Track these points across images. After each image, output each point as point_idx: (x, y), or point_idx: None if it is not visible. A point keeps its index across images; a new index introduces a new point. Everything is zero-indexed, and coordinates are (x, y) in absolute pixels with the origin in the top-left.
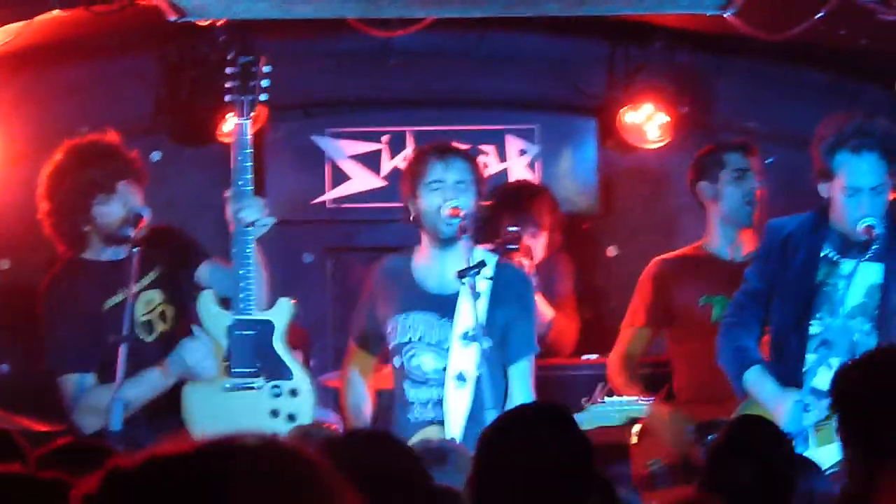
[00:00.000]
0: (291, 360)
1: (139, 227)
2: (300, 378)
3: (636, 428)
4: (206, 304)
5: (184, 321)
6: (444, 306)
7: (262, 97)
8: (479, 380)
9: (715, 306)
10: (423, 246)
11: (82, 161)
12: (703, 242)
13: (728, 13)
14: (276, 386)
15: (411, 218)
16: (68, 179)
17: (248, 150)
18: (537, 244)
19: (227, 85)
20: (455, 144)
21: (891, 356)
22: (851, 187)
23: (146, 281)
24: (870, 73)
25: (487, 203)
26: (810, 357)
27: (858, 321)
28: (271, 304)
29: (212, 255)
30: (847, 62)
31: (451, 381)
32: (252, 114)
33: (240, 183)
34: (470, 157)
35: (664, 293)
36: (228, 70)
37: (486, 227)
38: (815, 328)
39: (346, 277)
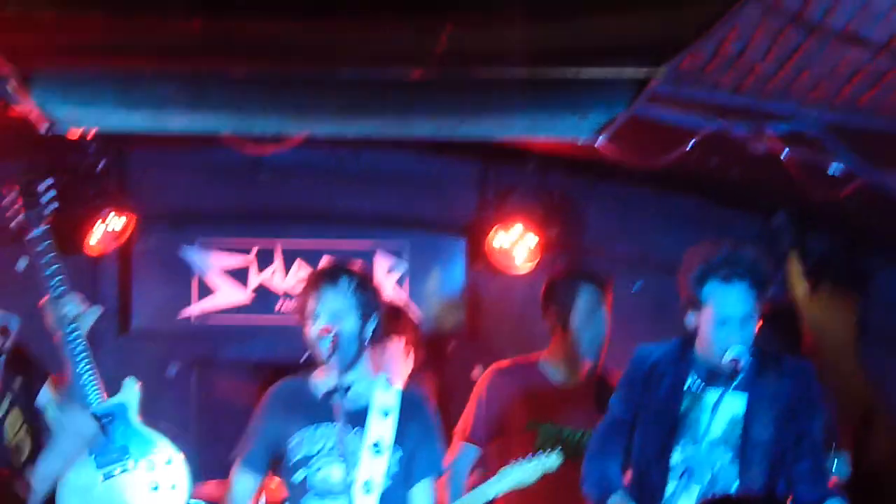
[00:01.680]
0: (153, 433)
1: (8, 336)
2: (166, 446)
3: None
4: (56, 410)
5: (42, 437)
6: (355, 418)
7: (48, 210)
8: (384, 492)
9: (540, 434)
10: (322, 369)
11: None
12: (543, 357)
13: (600, 140)
14: (148, 461)
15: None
16: None
17: (50, 257)
18: (403, 364)
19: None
20: (334, 269)
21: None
22: (720, 316)
23: (6, 403)
24: (740, 202)
25: None
26: (671, 485)
27: (720, 450)
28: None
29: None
30: (718, 190)
31: (359, 489)
32: (42, 226)
33: (52, 286)
34: (350, 281)
35: (493, 406)
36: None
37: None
38: (676, 456)
39: (211, 390)
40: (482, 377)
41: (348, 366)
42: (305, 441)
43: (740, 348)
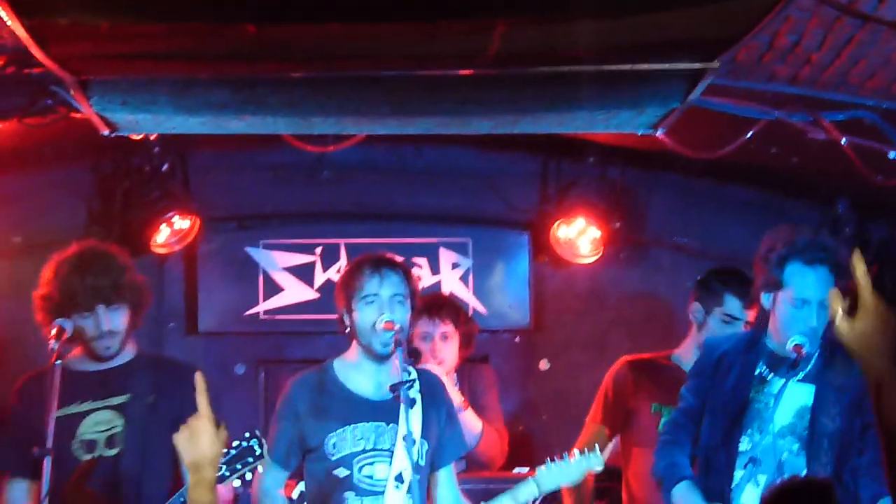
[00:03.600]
0: None
1: (63, 339)
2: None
3: None
4: None
5: (132, 454)
6: (388, 413)
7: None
8: (412, 484)
9: (664, 415)
10: (353, 354)
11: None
12: (673, 353)
13: (659, 132)
14: None
15: (345, 330)
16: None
17: None
18: (449, 343)
19: None
20: (390, 256)
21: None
22: (800, 299)
23: (113, 401)
24: (800, 190)
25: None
26: (738, 473)
27: (788, 440)
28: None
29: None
30: (777, 180)
31: (391, 483)
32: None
33: None
34: (405, 270)
35: (621, 394)
36: None
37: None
38: (744, 445)
39: (278, 389)
40: (610, 370)
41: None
42: (349, 439)
43: (803, 337)
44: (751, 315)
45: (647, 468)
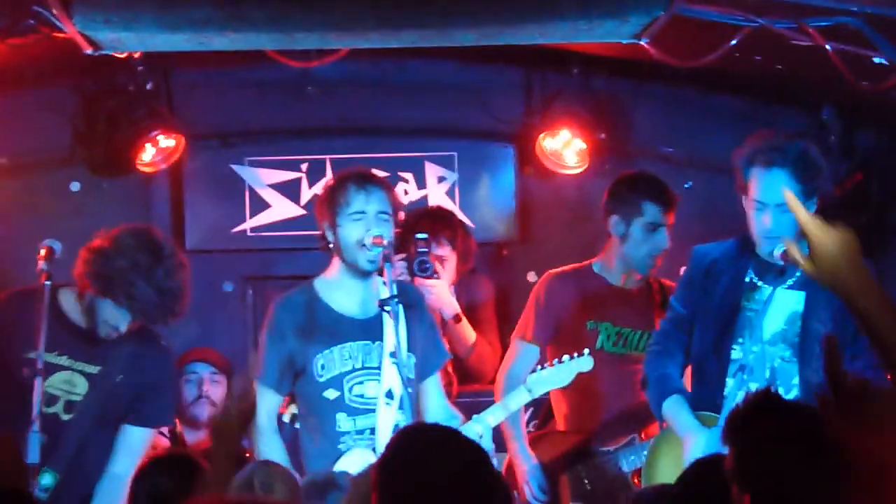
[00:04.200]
0: None
1: (51, 260)
2: None
3: None
4: None
5: (82, 425)
6: (373, 331)
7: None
8: (402, 399)
9: (601, 333)
10: (334, 273)
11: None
12: (596, 261)
13: (643, 41)
14: None
15: (329, 245)
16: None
17: None
18: (447, 264)
19: None
20: (373, 172)
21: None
22: (759, 201)
23: (87, 368)
24: (786, 98)
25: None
26: (730, 381)
27: (779, 348)
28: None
29: None
30: (763, 87)
31: (382, 400)
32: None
33: None
34: (389, 187)
35: (552, 308)
36: None
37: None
38: (735, 353)
39: (266, 306)
40: (539, 282)
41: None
42: (336, 359)
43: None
44: (671, 217)
45: (583, 378)
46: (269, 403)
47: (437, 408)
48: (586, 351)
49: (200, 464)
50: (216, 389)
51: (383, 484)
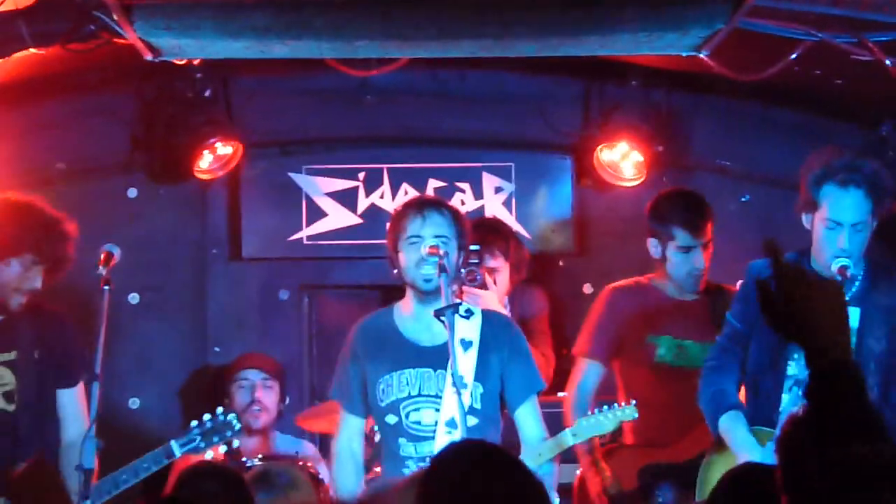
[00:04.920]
0: None
1: (111, 265)
2: None
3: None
4: None
5: (28, 411)
6: (436, 359)
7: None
8: (470, 429)
9: (659, 346)
10: (407, 301)
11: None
12: (653, 277)
13: (703, 54)
14: None
15: (395, 273)
16: None
17: None
18: (500, 275)
19: None
20: (437, 198)
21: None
22: (833, 220)
23: (3, 357)
24: (844, 113)
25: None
26: (785, 397)
27: None
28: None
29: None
30: (821, 102)
31: (442, 427)
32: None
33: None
34: (451, 211)
35: (614, 324)
36: None
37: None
38: (791, 369)
39: (322, 314)
40: (599, 297)
41: (451, 287)
42: (395, 384)
43: (847, 259)
44: (707, 235)
45: (646, 392)
46: (345, 425)
47: (531, 436)
48: (633, 402)
49: (241, 476)
50: (268, 395)
51: (425, 497)
